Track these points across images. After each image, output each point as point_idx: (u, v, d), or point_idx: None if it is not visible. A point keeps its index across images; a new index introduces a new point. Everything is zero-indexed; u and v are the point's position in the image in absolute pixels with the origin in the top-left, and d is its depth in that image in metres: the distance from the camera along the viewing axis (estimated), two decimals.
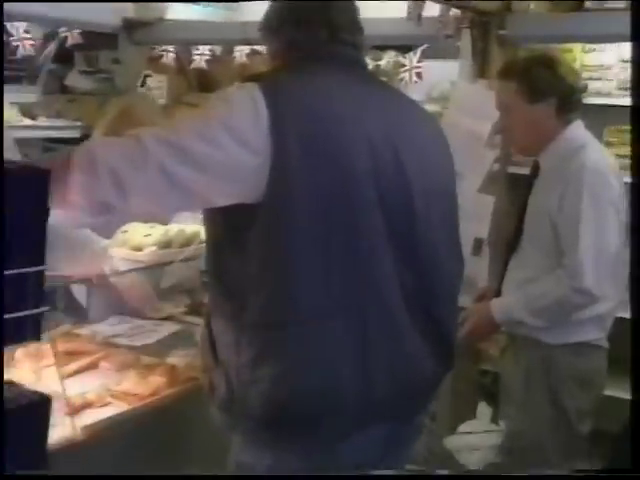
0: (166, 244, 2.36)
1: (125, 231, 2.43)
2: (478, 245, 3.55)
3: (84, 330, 2.75)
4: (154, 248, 2.33)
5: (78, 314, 2.85)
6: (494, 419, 2.98)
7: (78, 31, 3.94)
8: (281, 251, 1.65)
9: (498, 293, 2.68)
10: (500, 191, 3.55)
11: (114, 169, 1.59)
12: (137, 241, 2.35)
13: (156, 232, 2.36)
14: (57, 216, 1.57)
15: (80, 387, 2.25)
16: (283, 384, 1.66)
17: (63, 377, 2.32)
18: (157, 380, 2.24)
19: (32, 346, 2.40)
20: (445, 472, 1.71)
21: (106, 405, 2.16)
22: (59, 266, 2.06)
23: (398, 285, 1.73)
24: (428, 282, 1.79)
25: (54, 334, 2.50)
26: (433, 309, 1.81)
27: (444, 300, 1.85)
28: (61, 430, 1.98)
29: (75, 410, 2.08)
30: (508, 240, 2.70)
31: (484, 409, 3.03)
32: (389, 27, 3.68)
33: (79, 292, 2.80)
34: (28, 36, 3.74)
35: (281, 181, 1.61)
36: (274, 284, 1.66)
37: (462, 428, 2.93)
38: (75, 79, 5.03)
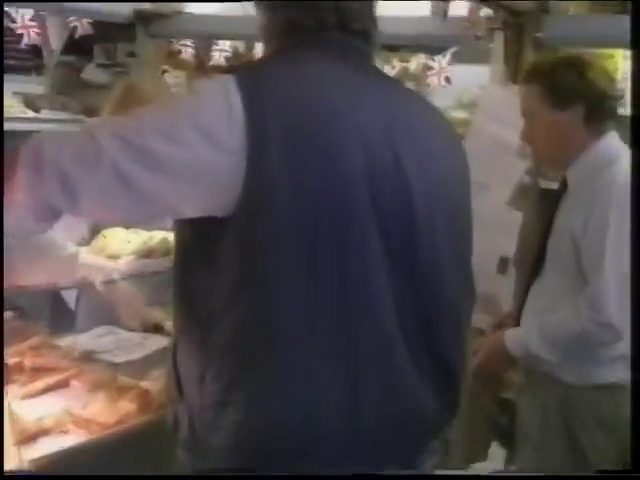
0: (147, 253, 2.12)
1: (104, 236, 2.20)
2: (504, 263, 3.29)
3: (64, 341, 2.54)
4: (132, 257, 2.09)
5: (64, 322, 2.65)
6: (507, 463, 2.71)
7: (88, 20, 3.74)
8: (255, 268, 1.40)
9: (519, 321, 2.41)
10: (530, 206, 3.28)
11: (62, 168, 1.38)
12: (115, 249, 2.12)
13: (137, 239, 2.13)
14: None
15: (43, 409, 2.03)
16: (254, 426, 1.42)
17: (25, 397, 2.12)
18: (126, 406, 2.01)
19: None
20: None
21: (65, 433, 1.92)
22: (16, 274, 1.85)
23: (394, 309, 1.48)
24: (430, 306, 1.54)
25: (22, 348, 2.30)
26: (435, 338, 1.55)
27: (448, 329, 1.59)
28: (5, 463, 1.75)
29: (27, 438, 1.86)
30: (531, 262, 2.43)
31: (497, 450, 2.75)
32: (415, 26, 3.45)
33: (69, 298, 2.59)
34: (33, 24, 3.55)
35: (258, 186, 1.37)
36: (246, 308, 1.41)
37: (472, 471, 2.66)
38: (92, 72, 4.84)
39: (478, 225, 3.19)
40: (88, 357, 2.42)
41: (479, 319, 3.00)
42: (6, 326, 2.36)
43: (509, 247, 3.23)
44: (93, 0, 3.27)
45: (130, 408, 2.00)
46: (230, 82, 1.40)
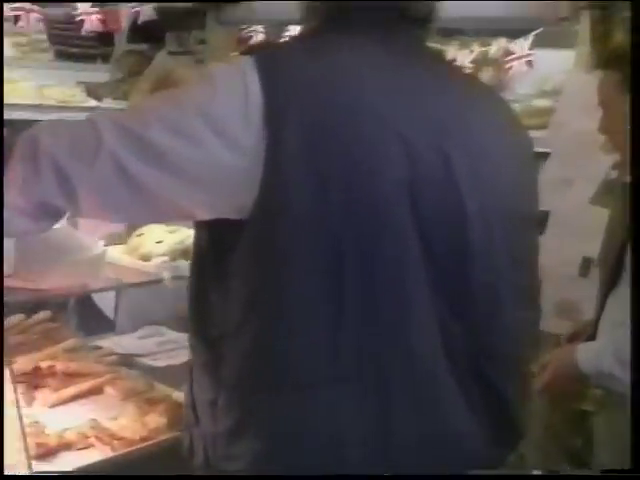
0: (182, 254, 1.96)
1: (141, 234, 2.05)
2: (586, 265, 3.02)
3: (105, 343, 2.41)
4: (165, 258, 1.93)
5: (105, 323, 2.52)
6: None
7: (150, 6, 3.61)
8: (272, 281, 1.22)
9: (596, 331, 2.15)
10: (616, 204, 2.99)
11: (58, 162, 1.22)
12: (148, 248, 1.97)
13: (172, 239, 1.97)
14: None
15: (71, 418, 1.90)
16: (270, 459, 1.25)
17: (54, 404, 1.99)
18: (155, 421, 1.86)
19: (27, 364, 2.08)
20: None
21: (87, 448, 1.79)
22: (35, 277, 1.71)
23: (439, 337, 1.27)
24: (482, 325, 1.32)
25: (55, 351, 2.17)
26: (487, 363, 1.34)
27: (506, 359, 1.36)
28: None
29: (46, 453, 1.72)
30: (611, 267, 2.16)
31: None
32: (492, 8, 3.19)
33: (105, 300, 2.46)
34: (95, 10, 3.43)
35: (276, 187, 1.18)
36: (261, 327, 1.23)
37: None
38: (163, 60, 4.74)
39: (560, 223, 2.93)
40: (126, 361, 2.29)
41: (558, 325, 2.75)
42: (40, 327, 2.25)
43: (592, 247, 2.96)
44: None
45: (159, 422, 1.85)
46: (248, 65, 1.21)
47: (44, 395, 2.03)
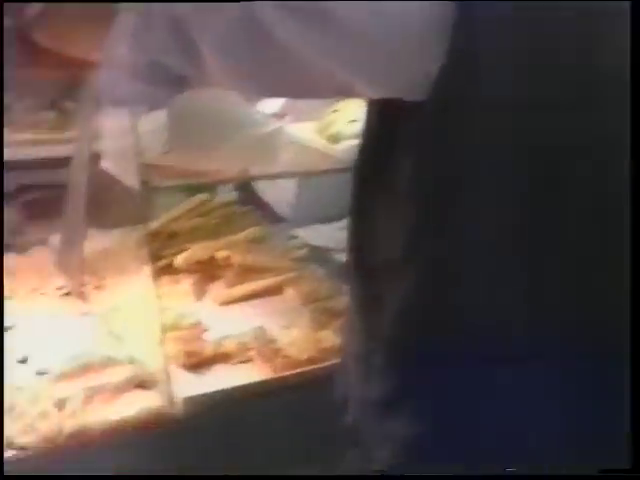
0: None
1: (336, 110, 1.68)
2: None
3: (301, 232, 2.10)
4: (356, 141, 1.55)
5: (302, 211, 2.21)
6: None
7: None
8: (446, 201, 0.84)
9: None
10: None
11: (176, 15, 0.87)
12: (337, 128, 1.60)
13: None
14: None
15: (237, 323, 1.63)
16: (435, 447, 0.91)
17: (225, 302, 1.74)
18: (329, 339, 1.53)
19: (202, 252, 1.83)
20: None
21: (245, 362, 1.50)
22: (189, 156, 1.41)
23: None
24: None
25: (236, 239, 1.90)
26: None
27: None
28: (152, 397, 1.37)
29: (199, 363, 1.46)
30: None
31: None
32: None
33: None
34: None
35: (462, 69, 0.79)
36: (429, 268, 0.88)
37: None
38: None
39: None
40: (318, 256, 1.97)
41: None
42: (224, 211, 1.99)
43: None
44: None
45: (334, 342, 1.51)
46: None
47: (216, 290, 1.78)
